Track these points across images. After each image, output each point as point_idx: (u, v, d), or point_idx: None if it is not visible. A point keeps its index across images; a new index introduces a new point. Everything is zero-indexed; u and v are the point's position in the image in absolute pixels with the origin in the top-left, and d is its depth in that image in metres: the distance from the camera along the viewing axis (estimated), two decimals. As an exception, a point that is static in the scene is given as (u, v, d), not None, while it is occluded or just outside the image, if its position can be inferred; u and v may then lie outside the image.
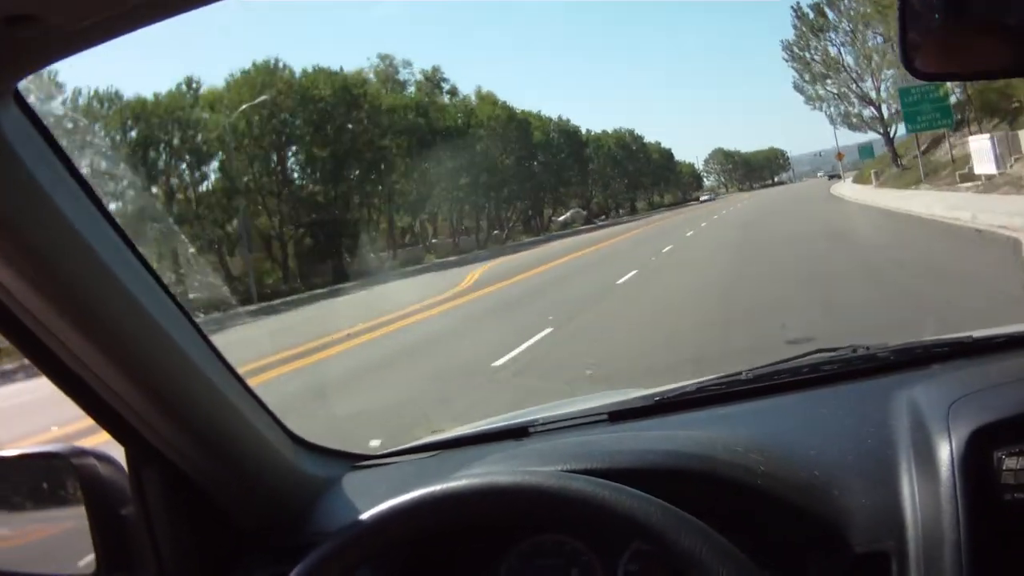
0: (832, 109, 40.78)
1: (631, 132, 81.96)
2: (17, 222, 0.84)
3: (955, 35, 0.82)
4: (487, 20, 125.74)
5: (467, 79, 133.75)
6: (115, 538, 1.13)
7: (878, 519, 0.95)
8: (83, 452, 1.14)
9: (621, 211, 77.08)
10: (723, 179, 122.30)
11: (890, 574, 0.92)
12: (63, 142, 0.89)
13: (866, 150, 50.83)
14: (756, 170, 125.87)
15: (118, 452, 1.13)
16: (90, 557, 1.12)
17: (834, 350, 1.37)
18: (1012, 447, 0.90)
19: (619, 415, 1.34)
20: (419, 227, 50.60)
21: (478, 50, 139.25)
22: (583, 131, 69.91)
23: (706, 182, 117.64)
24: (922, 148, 32.95)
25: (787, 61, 40.52)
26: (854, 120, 39.57)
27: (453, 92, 52.57)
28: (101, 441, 1.17)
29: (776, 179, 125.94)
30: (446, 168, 45.82)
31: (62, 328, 0.92)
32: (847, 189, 37.27)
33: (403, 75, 48.84)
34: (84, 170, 0.91)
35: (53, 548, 1.29)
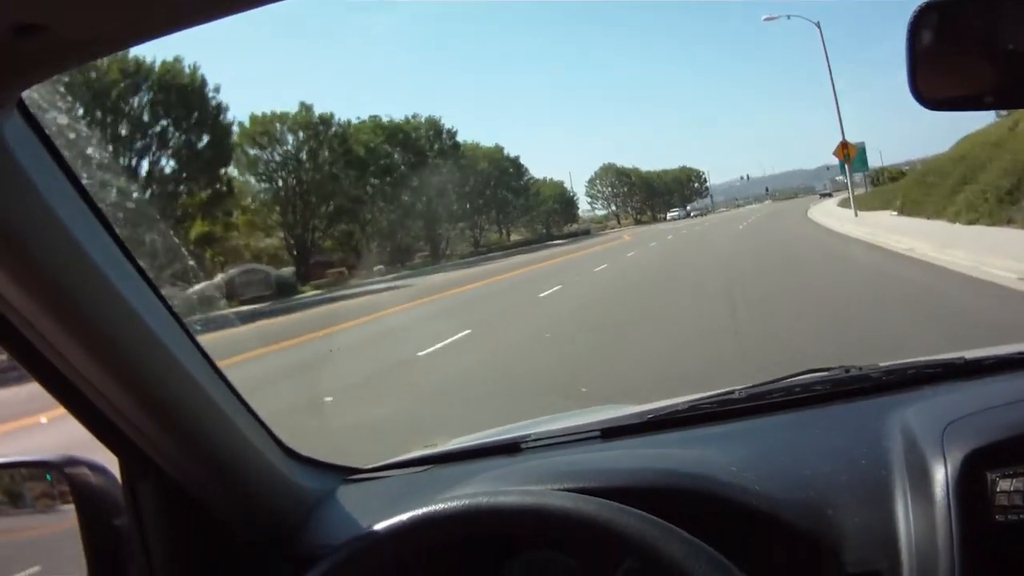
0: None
1: (433, 121, 48.70)
2: (17, 230, 0.84)
3: (953, 60, 0.86)
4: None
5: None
6: (108, 549, 1.13)
7: (871, 539, 0.97)
8: (76, 461, 1.13)
9: (404, 261, 45.49)
10: (615, 205, 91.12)
11: None
12: (66, 152, 0.90)
13: (856, 159, 28.88)
14: (662, 195, 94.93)
15: (111, 462, 1.13)
16: (82, 567, 1.11)
17: (826, 370, 1.37)
18: (1006, 469, 0.93)
19: (611, 432, 1.35)
20: None
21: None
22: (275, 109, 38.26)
23: (591, 210, 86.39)
24: None
25: None
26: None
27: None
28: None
29: (689, 208, 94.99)
30: None
31: (58, 337, 0.92)
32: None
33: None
34: (86, 180, 0.92)
35: (44, 558, 1.30)
